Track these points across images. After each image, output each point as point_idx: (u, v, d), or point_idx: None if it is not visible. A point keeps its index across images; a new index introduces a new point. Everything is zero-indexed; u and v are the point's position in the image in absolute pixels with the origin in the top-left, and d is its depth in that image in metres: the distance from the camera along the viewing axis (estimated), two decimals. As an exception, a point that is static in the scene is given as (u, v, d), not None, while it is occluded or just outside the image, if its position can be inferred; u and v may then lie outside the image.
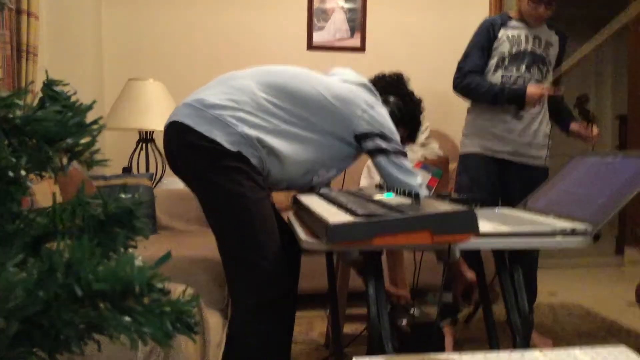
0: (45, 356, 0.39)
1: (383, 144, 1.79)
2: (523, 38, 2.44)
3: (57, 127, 0.37)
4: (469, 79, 2.40)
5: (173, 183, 3.41)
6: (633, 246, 4.28)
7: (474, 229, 1.23)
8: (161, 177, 3.52)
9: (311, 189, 1.93)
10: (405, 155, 1.83)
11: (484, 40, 2.45)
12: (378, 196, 1.63)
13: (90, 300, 0.35)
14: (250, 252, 1.59)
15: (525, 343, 1.39)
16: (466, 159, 2.52)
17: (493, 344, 1.61)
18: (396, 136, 1.81)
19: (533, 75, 2.44)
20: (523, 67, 2.43)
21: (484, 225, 1.31)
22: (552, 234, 1.29)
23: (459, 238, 1.24)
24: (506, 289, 1.48)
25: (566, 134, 2.67)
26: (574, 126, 2.61)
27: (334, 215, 1.32)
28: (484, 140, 2.46)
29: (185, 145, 1.65)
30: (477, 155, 2.47)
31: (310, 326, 2.76)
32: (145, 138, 3.48)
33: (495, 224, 1.35)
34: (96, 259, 0.34)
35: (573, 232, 1.30)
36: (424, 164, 3.19)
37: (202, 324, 0.95)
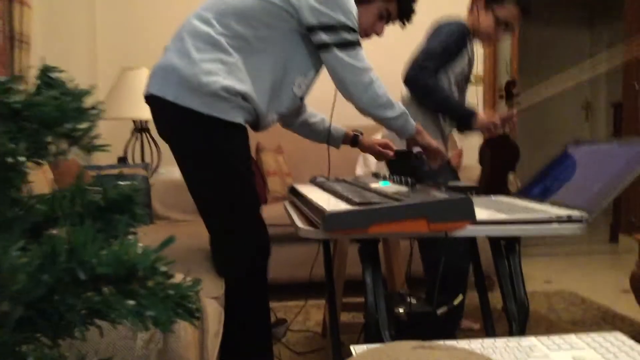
0: (49, 341, 0.39)
1: (326, 38, 1.63)
2: (475, 59, 2.36)
3: (56, 111, 0.36)
4: (431, 80, 2.17)
5: (169, 173, 3.40)
6: (627, 234, 4.30)
7: (470, 217, 1.24)
8: (157, 166, 3.51)
9: (301, 100, 1.87)
10: (354, 45, 1.65)
11: (456, 48, 2.22)
12: (374, 184, 1.63)
13: (93, 284, 0.35)
14: (242, 218, 1.67)
15: (521, 330, 1.40)
16: None
17: (489, 332, 1.62)
18: (348, 20, 1.64)
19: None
20: (467, 91, 2.39)
21: (480, 213, 1.31)
22: (548, 221, 1.29)
23: (455, 226, 1.24)
24: (502, 277, 1.48)
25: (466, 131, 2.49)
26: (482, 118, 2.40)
27: (330, 204, 1.32)
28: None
29: (162, 121, 1.68)
30: None
31: (307, 315, 2.77)
32: (140, 127, 3.47)
33: (491, 212, 1.35)
34: (98, 243, 0.34)
35: (569, 219, 1.30)
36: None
37: (200, 312, 0.95)
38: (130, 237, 0.48)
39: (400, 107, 1.79)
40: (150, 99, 1.66)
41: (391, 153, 2.11)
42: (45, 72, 0.49)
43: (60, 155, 0.38)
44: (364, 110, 1.75)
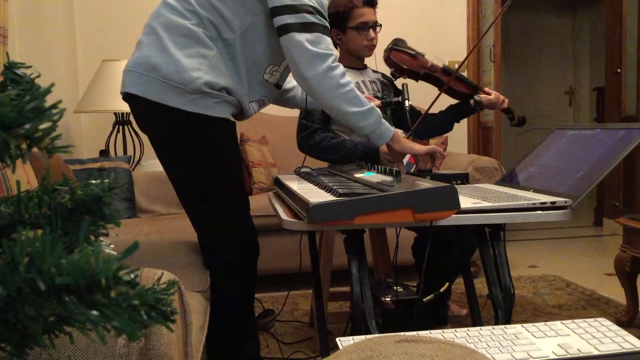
0: (14, 350, 0.38)
1: (286, 19, 1.51)
2: (362, 85, 2.28)
3: (14, 112, 0.34)
4: (318, 137, 2.13)
5: (152, 165, 3.37)
6: (611, 217, 4.34)
7: (454, 206, 1.23)
8: (139, 159, 3.48)
9: (278, 87, 1.79)
10: (315, 28, 1.53)
11: None
12: (359, 174, 1.62)
13: (55, 295, 0.34)
14: (232, 213, 1.68)
15: (507, 317, 1.40)
16: None
17: (476, 319, 1.62)
18: (313, 1, 1.53)
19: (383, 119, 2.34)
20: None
21: (465, 201, 1.31)
22: (533, 208, 1.30)
23: (440, 215, 1.24)
24: (487, 264, 1.48)
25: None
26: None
27: (315, 195, 1.31)
28: None
29: (146, 121, 1.66)
30: None
31: (294, 305, 2.77)
32: (122, 120, 3.43)
33: (475, 200, 1.35)
34: (59, 251, 0.33)
35: (553, 206, 1.30)
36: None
37: (183, 307, 0.94)
38: (102, 238, 0.47)
39: (371, 105, 1.63)
40: (130, 97, 1.61)
41: (377, 102, 2.04)
42: (11, 68, 0.47)
43: (20, 157, 0.37)
44: (321, 101, 1.61)
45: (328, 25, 1.60)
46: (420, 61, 2.25)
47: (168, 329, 0.45)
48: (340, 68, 1.58)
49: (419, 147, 1.73)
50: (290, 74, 1.88)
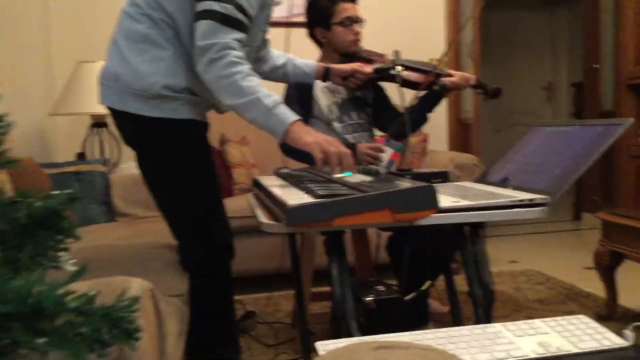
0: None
1: (197, 6, 1.49)
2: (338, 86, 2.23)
3: (-43, 126, 0.33)
4: None
5: (130, 168, 3.32)
6: (590, 212, 4.39)
7: (434, 205, 1.23)
8: (117, 162, 3.43)
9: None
10: (213, 15, 1.46)
11: (299, 93, 2.20)
12: (338, 175, 1.61)
13: (1, 322, 0.32)
14: (210, 217, 1.68)
15: (487, 315, 1.40)
16: None
17: (457, 317, 1.62)
18: None
19: (363, 118, 2.32)
20: (355, 114, 2.30)
21: (444, 200, 1.31)
22: (511, 206, 1.30)
23: (419, 215, 1.23)
24: (467, 262, 1.48)
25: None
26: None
27: (293, 197, 1.30)
28: None
29: (121, 130, 1.67)
30: None
31: (276, 306, 2.75)
32: (99, 122, 3.38)
33: (455, 198, 1.35)
34: (3, 277, 0.31)
35: (531, 203, 1.31)
36: (386, 139, 3.19)
37: (158, 316, 0.92)
38: (61, 253, 0.45)
39: (255, 97, 1.47)
40: (108, 109, 1.64)
41: (369, 70, 2.07)
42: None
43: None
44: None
45: (235, 13, 1.48)
46: (376, 63, 2.24)
47: (131, 348, 0.43)
48: (226, 58, 1.46)
49: (308, 142, 1.50)
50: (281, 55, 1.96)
